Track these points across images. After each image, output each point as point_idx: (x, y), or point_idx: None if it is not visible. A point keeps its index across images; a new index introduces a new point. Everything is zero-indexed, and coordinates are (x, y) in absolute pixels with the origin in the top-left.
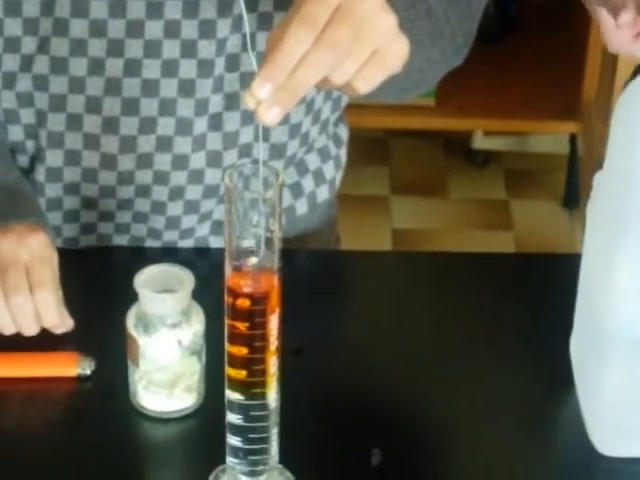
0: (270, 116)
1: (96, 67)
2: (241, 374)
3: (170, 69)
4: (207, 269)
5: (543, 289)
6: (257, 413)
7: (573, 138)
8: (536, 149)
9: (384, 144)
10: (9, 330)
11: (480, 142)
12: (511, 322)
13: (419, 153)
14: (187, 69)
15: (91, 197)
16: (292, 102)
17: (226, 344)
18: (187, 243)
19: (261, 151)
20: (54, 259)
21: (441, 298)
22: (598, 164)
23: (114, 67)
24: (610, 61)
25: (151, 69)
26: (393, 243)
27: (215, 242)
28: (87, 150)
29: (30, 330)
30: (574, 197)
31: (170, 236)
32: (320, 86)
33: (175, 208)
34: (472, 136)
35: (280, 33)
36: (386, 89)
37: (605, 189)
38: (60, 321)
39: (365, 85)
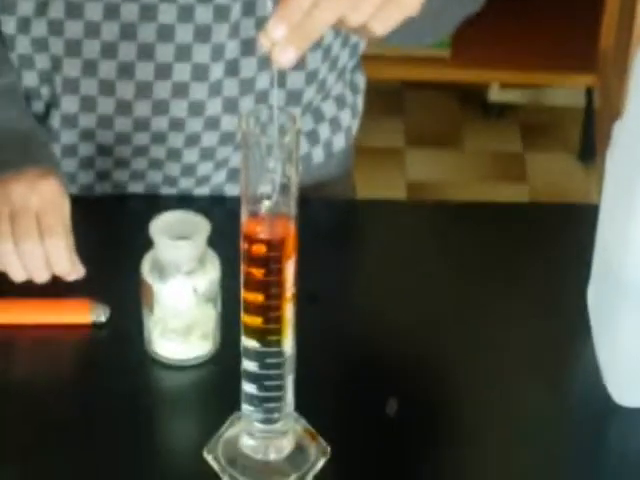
0: (285, 58)
1: (111, 12)
2: (257, 321)
3: (186, 14)
4: (223, 217)
5: (560, 239)
6: (273, 360)
7: (589, 91)
8: (552, 102)
9: (399, 96)
10: (19, 276)
11: (496, 94)
12: (528, 272)
13: (434, 105)
14: (203, 14)
15: (106, 144)
16: (307, 43)
17: (242, 291)
18: (203, 190)
19: (275, 95)
20: (65, 206)
21: (458, 247)
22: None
23: (129, 12)
24: (628, 13)
25: (166, 14)
26: (408, 195)
27: (231, 190)
28: (102, 96)
29: (40, 276)
30: (590, 150)
31: (186, 183)
32: (336, 27)
33: (191, 155)
34: (488, 88)
35: None
36: (402, 33)
37: (624, 139)
38: (71, 268)
39: (381, 27)
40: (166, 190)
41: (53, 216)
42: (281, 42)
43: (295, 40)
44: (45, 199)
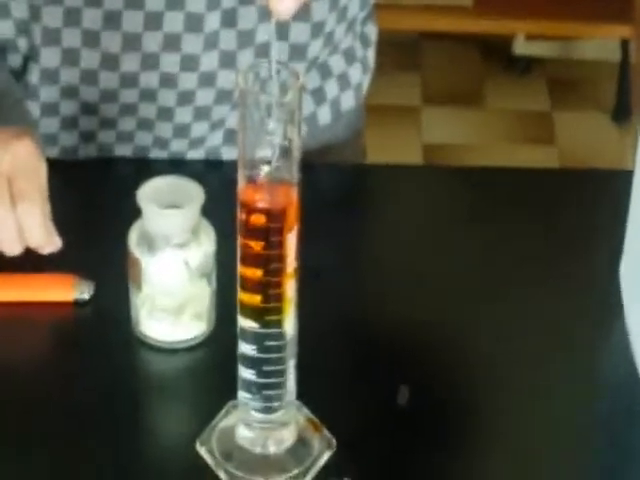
0: (283, 7)
1: None
2: (255, 299)
3: None
4: (219, 183)
5: (590, 208)
6: (272, 343)
7: (625, 43)
8: (584, 55)
9: (416, 48)
10: None
11: (522, 47)
12: (555, 245)
13: (454, 58)
14: None
15: (91, 102)
16: None
17: (239, 266)
18: (197, 154)
19: (275, 49)
20: (42, 170)
21: (478, 218)
22: None
23: None
24: None
25: None
26: (424, 159)
27: (228, 153)
28: (86, 48)
29: (12, 249)
30: (625, 109)
31: (178, 146)
32: None
33: (184, 114)
34: (513, 40)
35: None
36: None
37: None
38: (46, 239)
39: None
40: (156, 153)
41: (27, 180)
42: None
43: None
44: (18, 162)
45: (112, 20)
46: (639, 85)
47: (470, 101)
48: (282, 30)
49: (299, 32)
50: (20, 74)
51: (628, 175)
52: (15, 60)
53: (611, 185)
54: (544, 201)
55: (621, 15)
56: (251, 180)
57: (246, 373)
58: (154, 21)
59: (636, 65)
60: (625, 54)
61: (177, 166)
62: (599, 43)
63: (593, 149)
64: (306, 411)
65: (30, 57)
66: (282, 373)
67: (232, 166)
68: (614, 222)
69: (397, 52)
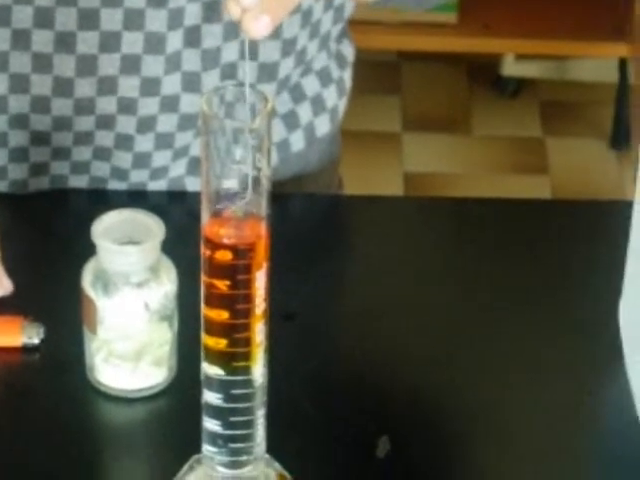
0: (258, 27)
1: None
2: (221, 343)
3: None
4: (182, 216)
5: (586, 243)
6: (240, 391)
7: (623, 63)
8: (578, 76)
9: (395, 69)
10: None
11: (511, 68)
12: (548, 283)
13: (437, 80)
14: None
15: (42, 131)
16: (285, 10)
17: (202, 307)
18: (159, 185)
19: (247, 70)
20: None
21: (463, 254)
22: None
23: None
24: None
25: None
26: (405, 189)
27: (193, 184)
28: (36, 74)
29: None
30: (623, 134)
31: (138, 176)
32: None
33: (144, 142)
34: (501, 60)
35: None
36: None
37: None
38: None
39: None
40: (114, 184)
41: None
42: (253, 8)
43: (270, 6)
44: None
45: (64, 42)
46: (638, 108)
47: (455, 126)
48: (250, 48)
49: (268, 50)
50: None
51: (627, 206)
52: None
53: (609, 217)
54: (536, 235)
55: (618, 33)
56: (216, 214)
57: (211, 424)
58: (111, 42)
59: (636, 87)
60: (623, 75)
61: (137, 198)
62: (595, 63)
63: (589, 178)
64: (277, 466)
65: None
66: (250, 424)
67: (196, 198)
68: (612, 258)
69: (374, 73)
